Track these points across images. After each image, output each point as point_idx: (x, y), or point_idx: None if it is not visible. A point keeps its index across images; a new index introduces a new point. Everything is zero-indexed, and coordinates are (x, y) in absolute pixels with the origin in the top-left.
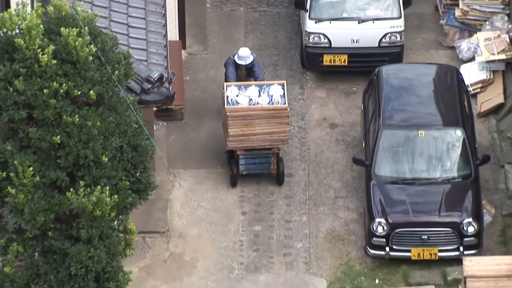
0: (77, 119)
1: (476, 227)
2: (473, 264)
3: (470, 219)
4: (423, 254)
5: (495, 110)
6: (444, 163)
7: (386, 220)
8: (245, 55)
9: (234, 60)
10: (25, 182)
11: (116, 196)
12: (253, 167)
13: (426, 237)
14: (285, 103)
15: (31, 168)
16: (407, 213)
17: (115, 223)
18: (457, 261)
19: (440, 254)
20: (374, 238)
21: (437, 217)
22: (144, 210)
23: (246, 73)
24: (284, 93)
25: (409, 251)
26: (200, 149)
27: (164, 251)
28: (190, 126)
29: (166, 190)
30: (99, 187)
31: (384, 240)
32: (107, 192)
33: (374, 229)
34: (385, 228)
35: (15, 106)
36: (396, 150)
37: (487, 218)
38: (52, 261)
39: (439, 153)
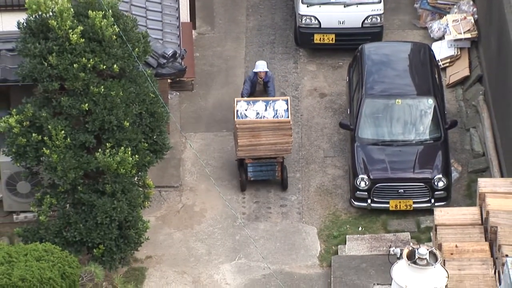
0: (103, 90)
1: (445, 182)
2: (442, 214)
3: (440, 176)
4: (400, 205)
5: (462, 81)
6: (418, 127)
7: (368, 176)
8: (262, 65)
9: (250, 77)
10: (57, 144)
11: (136, 156)
12: (260, 174)
13: (402, 191)
14: (288, 117)
15: (63, 132)
16: (386, 170)
17: (135, 179)
18: (429, 211)
19: (414, 205)
20: (358, 192)
21: (411, 174)
22: (160, 167)
23: (263, 88)
24: (287, 108)
25: (387, 203)
26: (208, 115)
27: (177, 203)
28: (200, 96)
29: (179, 151)
30: (122, 148)
31: (366, 193)
32: (129, 152)
33: (358, 184)
34: (367, 183)
35: (49, 78)
36: (376, 116)
37: (454, 175)
38: (81, 211)
39: (413, 118)
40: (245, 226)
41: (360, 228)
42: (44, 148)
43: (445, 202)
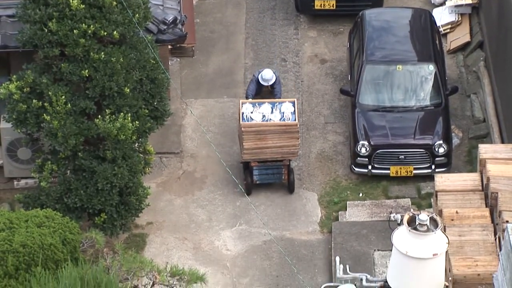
0: (103, 56)
1: (446, 148)
2: (443, 180)
3: (441, 142)
4: (400, 171)
5: (463, 47)
6: (419, 93)
7: (369, 142)
8: (268, 78)
9: (256, 78)
10: (58, 110)
11: (137, 122)
12: (266, 177)
13: (403, 157)
14: (295, 120)
15: (63, 98)
16: (386, 136)
17: (136, 145)
18: (430, 177)
19: (415, 171)
20: (358, 158)
21: (412, 140)
22: (161, 134)
23: (269, 90)
24: (294, 110)
25: (388, 169)
26: (208, 81)
27: (178, 169)
28: (200, 62)
29: (179, 117)
30: (122, 114)
31: (367, 159)
32: (129, 118)
33: (358, 150)
34: (368, 149)
35: (49, 44)
36: (377, 82)
37: (455, 141)
38: (81, 178)
39: (414, 84)
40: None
41: (360, 194)
42: (44, 115)
43: (445, 168)
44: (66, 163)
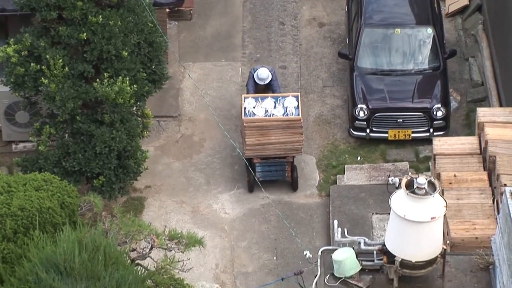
0: (101, 19)
1: (444, 112)
2: (441, 144)
3: (439, 105)
4: (399, 135)
5: (461, 10)
6: (417, 56)
7: (367, 106)
8: (264, 77)
9: (253, 74)
10: (56, 73)
11: (135, 86)
12: (269, 174)
13: (401, 120)
14: (298, 115)
15: (61, 61)
16: (384, 100)
17: (134, 109)
18: (428, 141)
19: (413, 135)
20: (356, 122)
21: (410, 103)
22: (159, 97)
23: (265, 87)
24: (298, 105)
25: (386, 132)
26: (206, 44)
27: (176, 133)
28: (198, 25)
29: (177, 80)
30: (120, 78)
31: (365, 123)
32: (127, 82)
33: (357, 113)
34: (366, 112)
35: (47, 7)
36: (375, 45)
37: (453, 104)
38: (80, 141)
39: (412, 48)
40: (244, 155)
41: (358, 158)
42: (42, 78)
43: (443, 132)
44: (64, 126)
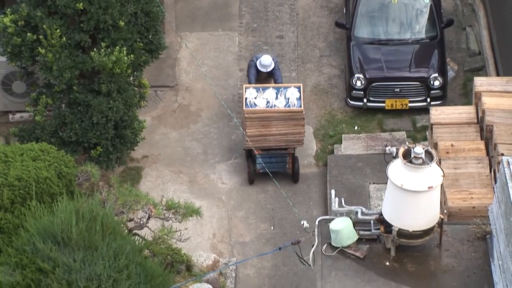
0: None
1: (441, 81)
2: (438, 113)
3: (436, 74)
4: (396, 104)
5: None
6: (414, 26)
7: (364, 75)
8: (267, 63)
9: (255, 62)
10: (53, 43)
11: (131, 55)
12: (270, 165)
13: (398, 90)
14: (300, 106)
15: (58, 31)
16: (381, 69)
17: (131, 78)
18: (425, 110)
19: (410, 104)
20: (354, 91)
21: (407, 73)
22: (156, 67)
23: (267, 75)
24: (300, 96)
25: (383, 102)
26: (203, 14)
27: (173, 103)
28: None
29: (174, 50)
30: (117, 47)
31: (362, 92)
32: (124, 52)
33: (354, 83)
34: (363, 82)
35: None
36: (372, 15)
37: (450, 74)
38: (77, 111)
39: (409, 17)
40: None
41: (356, 127)
42: (39, 48)
43: (441, 101)
44: (61, 96)
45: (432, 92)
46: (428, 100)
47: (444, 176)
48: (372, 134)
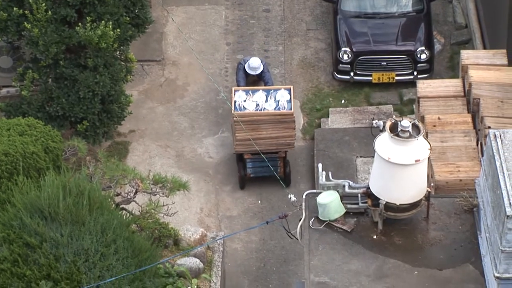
0: None
1: (428, 55)
2: (425, 86)
3: (423, 48)
4: (383, 78)
5: None
6: None
7: (351, 49)
8: (255, 66)
9: (243, 65)
10: (39, 18)
11: (118, 30)
12: (261, 170)
13: (385, 63)
14: (291, 109)
15: (44, 5)
16: (368, 43)
17: (118, 53)
18: (412, 83)
19: (397, 78)
20: (340, 65)
21: (394, 46)
22: (142, 42)
23: (256, 78)
24: (290, 98)
25: (370, 75)
26: None
27: (160, 77)
28: None
29: (161, 24)
30: (103, 22)
31: (349, 66)
32: (110, 26)
33: (340, 57)
34: (350, 56)
35: None
36: None
37: (437, 47)
38: (63, 86)
39: None
40: (228, 100)
41: (342, 101)
42: (25, 23)
43: (427, 74)
44: (48, 71)
45: (419, 65)
46: (415, 73)
47: (431, 149)
48: (359, 107)
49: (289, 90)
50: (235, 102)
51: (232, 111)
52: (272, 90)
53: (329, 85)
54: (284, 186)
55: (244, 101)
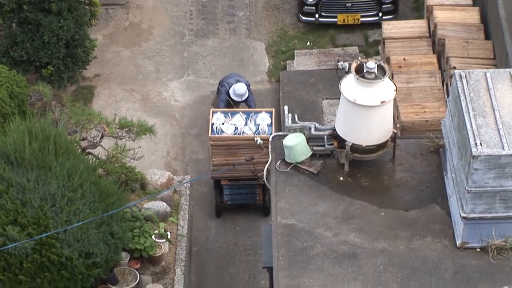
0: None
1: None
2: (390, 28)
3: None
4: (348, 19)
5: None
6: None
7: None
8: (241, 93)
9: (226, 88)
10: None
11: None
12: (238, 197)
13: (349, 4)
14: (271, 133)
15: None
16: None
17: None
18: (377, 25)
19: (362, 19)
20: (305, 7)
21: None
22: None
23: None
24: (271, 122)
25: (335, 17)
26: None
27: (124, 21)
28: None
29: None
30: None
31: (314, 8)
32: None
33: None
34: None
35: None
36: None
37: None
38: (27, 31)
39: None
40: (193, 43)
41: (308, 43)
42: None
43: (392, 16)
44: (11, 16)
45: (383, 6)
46: (380, 14)
47: (396, 90)
48: (325, 49)
49: (271, 113)
50: (212, 124)
51: (209, 134)
52: (253, 113)
53: (294, 27)
54: (264, 214)
55: (223, 123)
